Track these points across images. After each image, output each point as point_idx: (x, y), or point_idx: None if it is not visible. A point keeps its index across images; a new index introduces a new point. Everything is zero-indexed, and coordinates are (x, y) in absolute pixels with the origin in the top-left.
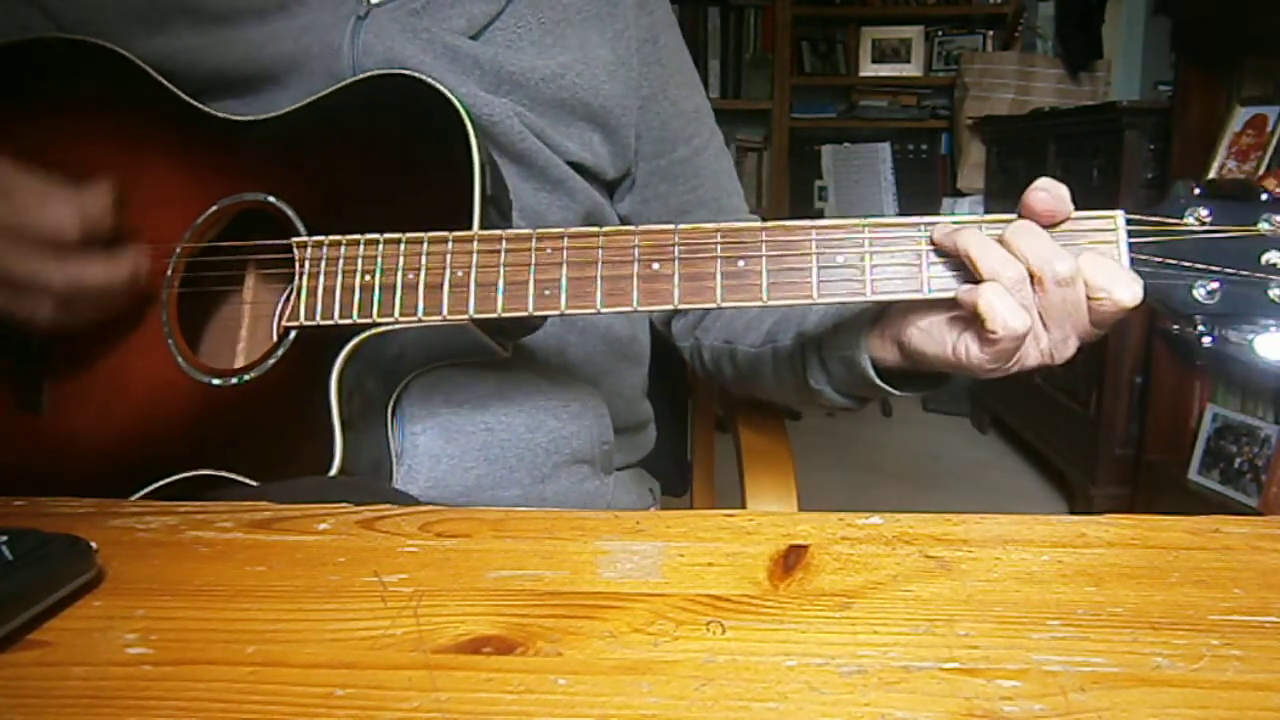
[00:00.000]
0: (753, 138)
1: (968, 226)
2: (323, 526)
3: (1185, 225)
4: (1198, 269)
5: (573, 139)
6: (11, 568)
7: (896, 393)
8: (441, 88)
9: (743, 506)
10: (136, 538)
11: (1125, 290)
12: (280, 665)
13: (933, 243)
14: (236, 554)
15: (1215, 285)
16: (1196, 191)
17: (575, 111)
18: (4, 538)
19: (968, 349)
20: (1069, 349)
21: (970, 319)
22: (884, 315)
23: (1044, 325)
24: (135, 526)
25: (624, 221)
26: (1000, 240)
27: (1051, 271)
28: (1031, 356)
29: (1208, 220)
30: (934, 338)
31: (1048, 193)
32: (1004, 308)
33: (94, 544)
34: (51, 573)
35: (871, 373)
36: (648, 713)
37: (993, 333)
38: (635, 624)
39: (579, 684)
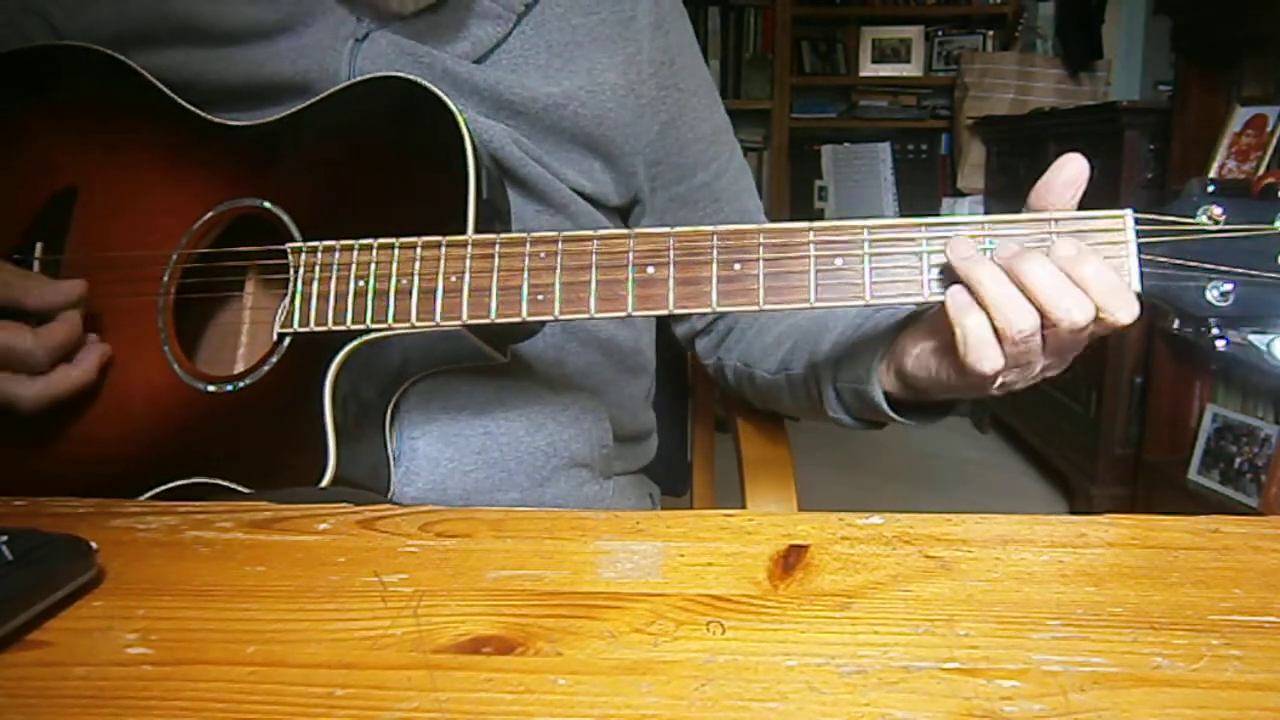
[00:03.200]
0: (753, 138)
1: (983, 259)
2: (323, 526)
3: (1198, 224)
4: (1211, 270)
5: (572, 166)
6: (11, 568)
7: (908, 423)
8: (437, 91)
9: (743, 506)
10: (136, 538)
11: (1127, 311)
12: (280, 665)
13: (946, 257)
14: (236, 554)
15: (1229, 287)
16: (1210, 189)
17: (576, 140)
18: (4, 538)
19: (948, 374)
20: (1061, 368)
21: (948, 337)
22: (891, 348)
23: (1043, 354)
24: (135, 526)
25: None
26: (1010, 272)
27: (1070, 322)
28: (1019, 385)
29: (1222, 219)
30: (922, 363)
31: (1074, 190)
32: (977, 345)
33: (94, 544)
34: (51, 573)
35: (885, 405)
36: (648, 713)
37: (963, 360)
38: (635, 624)
39: (579, 684)
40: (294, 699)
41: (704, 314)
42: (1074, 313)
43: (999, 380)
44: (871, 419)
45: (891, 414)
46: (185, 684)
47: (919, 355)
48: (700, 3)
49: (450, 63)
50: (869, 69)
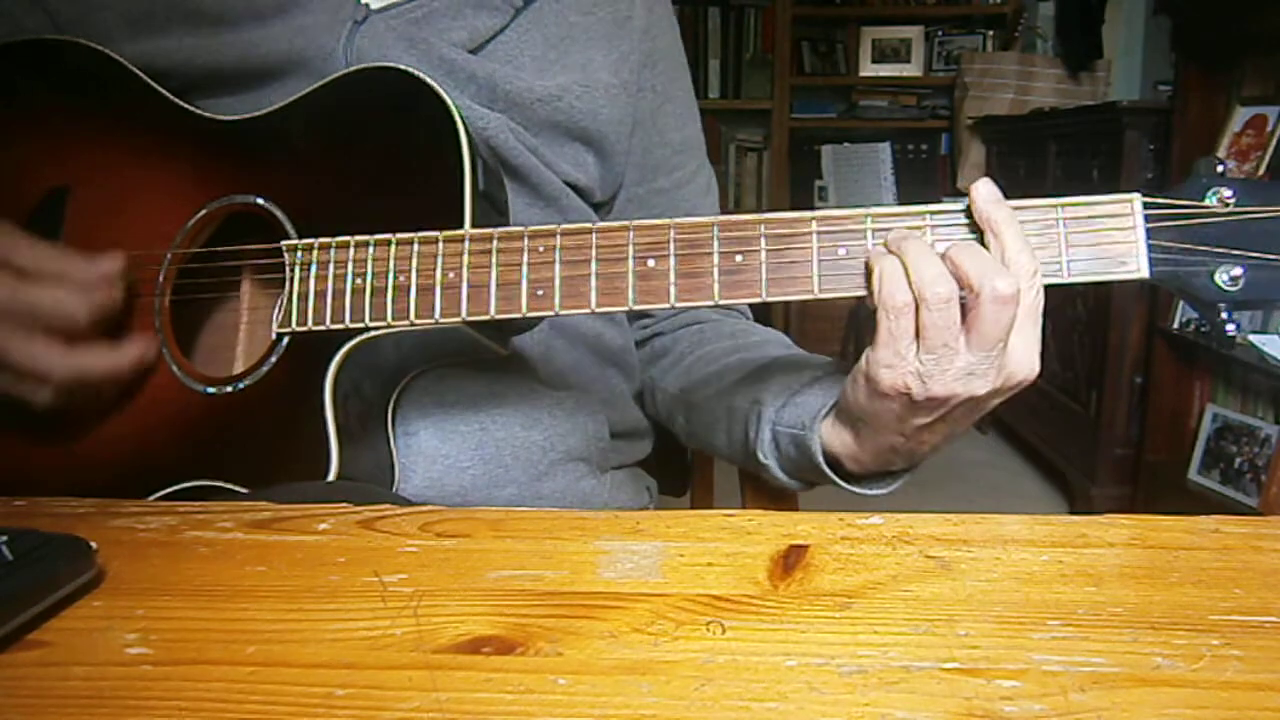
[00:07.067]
0: (753, 138)
1: (915, 236)
2: (323, 526)
3: (1207, 207)
4: (1221, 254)
5: (566, 159)
6: (11, 568)
7: (842, 484)
8: (429, 81)
9: (743, 506)
10: (136, 538)
11: (1002, 278)
12: (280, 665)
13: (885, 246)
14: (236, 554)
15: (1239, 271)
16: (1220, 170)
17: (570, 133)
18: (4, 538)
19: (863, 394)
20: (989, 381)
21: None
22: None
23: (967, 345)
24: (135, 526)
25: None
26: (943, 255)
27: (991, 288)
28: (951, 387)
29: (1231, 201)
30: (856, 382)
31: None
32: (890, 277)
33: (94, 544)
34: (51, 573)
35: (819, 457)
36: (648, 713)
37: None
38: (635, 624)
39: (579, 684)
40: (293, 699)
41: (648, 321)
42: (996, 280)
43: (916, 377)
44: (804, 476)
45: (825, 467)
46: (185, 684)
47: (854, 376)
48: (700, 2)
49: (446, 50)
50: (869, 69)
